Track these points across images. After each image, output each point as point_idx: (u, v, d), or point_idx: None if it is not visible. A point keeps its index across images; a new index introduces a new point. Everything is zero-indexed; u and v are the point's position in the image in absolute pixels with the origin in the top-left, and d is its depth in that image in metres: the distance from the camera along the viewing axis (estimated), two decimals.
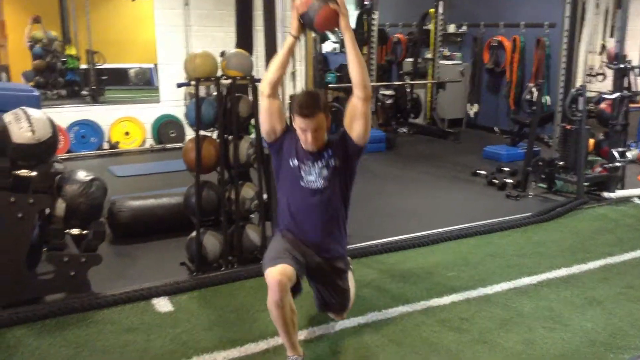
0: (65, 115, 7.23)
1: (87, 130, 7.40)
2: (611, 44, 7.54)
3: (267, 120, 2.87)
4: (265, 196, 3.94)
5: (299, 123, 2.74)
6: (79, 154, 7.20)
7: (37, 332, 3.04)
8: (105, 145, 7.54)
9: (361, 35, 8.52)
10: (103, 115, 7.58)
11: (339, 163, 2.85)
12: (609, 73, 6.00)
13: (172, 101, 7.77)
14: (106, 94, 9.40)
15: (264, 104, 2.85)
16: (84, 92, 9.14)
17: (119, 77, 10.98)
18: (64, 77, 9.28)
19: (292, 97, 2.89)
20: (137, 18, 9.70)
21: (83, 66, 9.35)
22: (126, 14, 9.85)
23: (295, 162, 2.85)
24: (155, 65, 8.10)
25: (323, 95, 2.84)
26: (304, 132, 2.75)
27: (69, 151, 7.12)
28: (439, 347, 2.94)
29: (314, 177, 2.84)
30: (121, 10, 9.81)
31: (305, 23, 2.81)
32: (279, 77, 2.86)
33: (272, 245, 2.87)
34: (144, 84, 11.31)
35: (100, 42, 9.37)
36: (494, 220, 4.81)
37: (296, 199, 2.89)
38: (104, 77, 9.34)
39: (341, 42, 11.04)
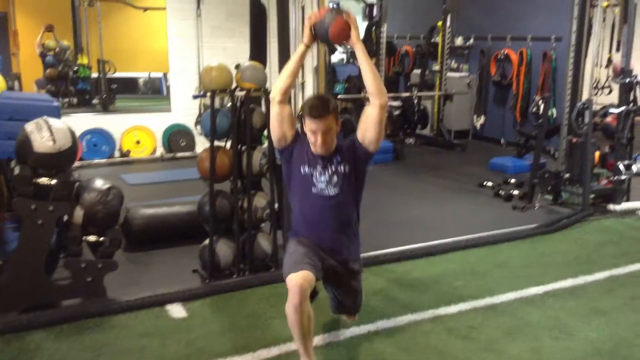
0: (77, 123, 7.31)
1: (99, 139, 7.51)
2: (617, 58, 7.62)
3: (278, 127, 2.91)
4: (276, 205, 4.02)
5: (309, 125, 2.79)
6: (90, 162, 7.31)
7: (55, 336, 3.13)
8: (117, 154, 7.65)
9: (369, 47, 8.63)
10: (114, 123, 7.71)
11: (348, 169, 2.89)
12: (615, 87, 6.07)
13: (183, 110, 7.89)
14: (117, 103, 9.54)
15: (274, 110, 2.89)
16: (95, 101, 9.28)
17: (128, 86, 11.11)
18: (75, 86, 9.42)
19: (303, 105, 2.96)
20: (147, 28, 9.84)
21: (94, 75, 9.50)
22: (137, 24, 9.99)
23: (307, 169, 2.90)
24: (165, 74, 8.23)
25: (333, 99, 2.92)
26: (315, 135, 2.79)
27: (80, 159, 7.22)
28: (447, 355, 3.01)
29: (324, 184, 2.89)
30: (132, 20, 9.95)
31: (318, 34, 2.88)
32: (290, 84, 2.92)
33: (292, 250, 2.89)
34: (153, 93, 11.44)
35: (110, 51, 9.52)
36: (500, 231, 4.88)
37: (309, 205, 2.93)
38: (114, 86, 9.48)
39: (349, 54, 11.16)
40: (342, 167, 2.89)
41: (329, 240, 2.94)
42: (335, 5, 2.89)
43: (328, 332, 3.21)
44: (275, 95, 2.89)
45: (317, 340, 3.13)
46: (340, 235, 2.97)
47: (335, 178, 2.89)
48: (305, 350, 2.74)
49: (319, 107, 2.77)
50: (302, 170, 2.92)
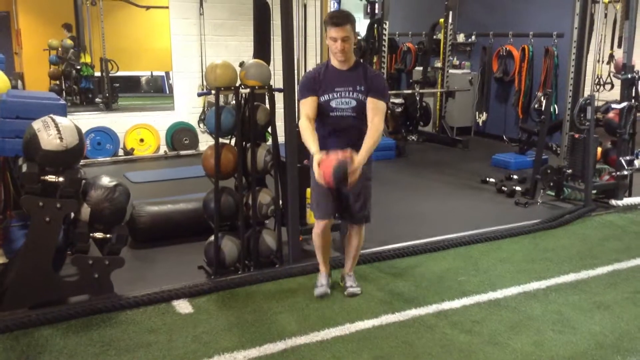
0: (81, 122, 7.23)
1: (103, 137, 7.55)
2: (619, 54, 7.63)
3: None
4: (281, 202, 4.05)
5: (331, 33, 3.23)
6: (94, 160, 7.35)
7: (63, 332, 3.17)
8: (121, 152, 7.69)
9: (372, 45, 8.64)
10: (118, 122, 7.74)
11: (364, 98, 3.33)
12: (617, 83, 6.09)
13: (186, 109, 7.93)
14: (119, 102, 9.58)
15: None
16: (98, 100, 9.32)
17: (130, 85, 11.16)
18: (78, 85, 9.46)
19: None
20: (150, 27, 9.87)
21: (97, 74, 9.53)
22: (139, 22, 10.01)
23: (326, 96, 3.34)
24: (167, 73, 8.25)
25: (351, 14, 3.34)
26: (335, 42, 3.23)
27: (85, 157, 7.25)
28: (451, 349, 3.04)
29: (343, 106, 3.35)
30: (134, 19, 9.98)
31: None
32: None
33: (316, 190, 3.44)
34: (155, 91, 11.49)
35: (113, 50, 9.55)
36: (503, 226, 4.91)
37: (328, 128, 3.39)
38: (117, 85, 9.52)
39: None
40: (360, 96, 3.36)
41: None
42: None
43: (334, 327, 3.24)
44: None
45: (323, 334, 3.17)
46: (353, 147, 3.30)
47: (352, 103, 3.37)
48: (323, 260, 3.67)
49: (340, 17, 3.26)
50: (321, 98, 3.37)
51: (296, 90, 3.72)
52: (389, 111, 8.85)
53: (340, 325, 3.26)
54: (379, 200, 5.73)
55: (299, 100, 3.31)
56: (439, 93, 9.16)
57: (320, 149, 3.20)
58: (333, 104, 3.33)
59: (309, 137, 3.23)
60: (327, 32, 3.25)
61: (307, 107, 3.32)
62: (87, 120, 7.53)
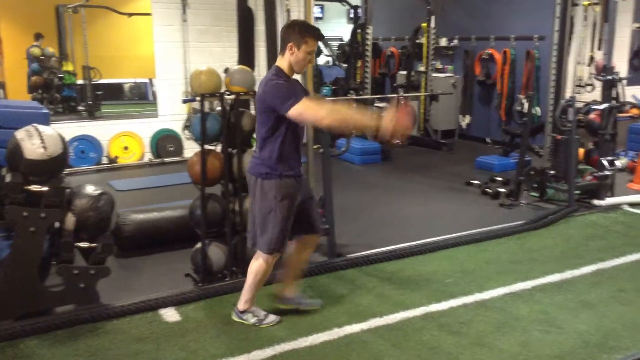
0: (64, 131, 7.18)
1: (86, 146, 7.49)
2: (599, 55, 7.75)
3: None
4: None
5: (312, 46, 3.10)
6: (78, 169, 7.28)
7: (50, 343, 3.14)
8: (105, 160, 7.64)
9: (356, 49, 8.70)
10: (101, 130, 7.69)
11: None
12: (598, 84, 6.17)
13: (170, 115, 7.89)
14: (102, 109, 9.53)
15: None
16: (81, 108, 9.26)
17: (114, 92, 11.10)
18: (60, 93, 9.39)
19: (292, 25, 3.19)
20: (132, 34, 9.85)
21: (79, 82, 9.48)
22: (122, 30, 9.99)
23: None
24: (151, 80, 8.22)
25: None
26: (309, 55, 3.11)
27: (69, 166, 7.18)
28: (439, 351, 3.06)
29: None
30: (117, 27, 9.95)
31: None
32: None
33: (283, 213, 3.14)
34: (139, 98, 11.44)
35: (96, 58, 9.51)
36: (488, 228, 4.95)
37: (298, 131, 3.18)
38: (100, 93, 9.46)
39: (335, 56, 11.21)
40: None
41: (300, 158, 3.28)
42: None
43: (322, 332, 3.24)
44: (315, 113, 3.00)
45: (311, 339, 3.17)
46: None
47: None
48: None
49: (319, 30, 3.16)
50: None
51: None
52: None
53: (329, 330, 3.27)
54: (366, 204, 5.78)
55: (293, 104, 2.96)
56: (422, 97, 9.22)
57: (292, 165, 3.16)
58: None
59: (351, 110, 3.07)
60: (306, 44, 3.07)
61: (311, 100, 3.10)
62: (71, 128, 7.46)
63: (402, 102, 2.99)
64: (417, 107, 9.36)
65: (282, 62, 3.14)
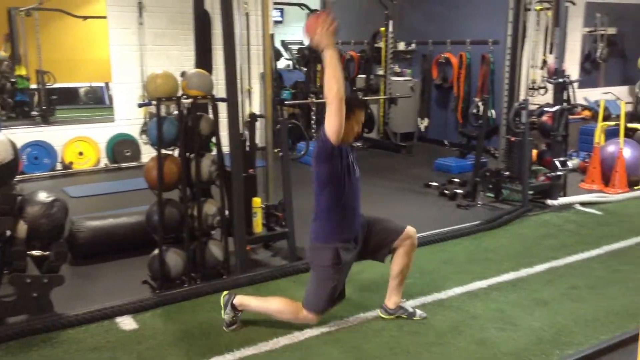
0: (16, 136, 7.00)
1: (40, 152, 7.31)
2: (551, 59, 7.96)
3: (344, 122, 2.99)
4: (227, 212, 4.02)
5: (360, 116, 3.15)
6: (32, 175, 7.10)
7: (1, 354, 3.04)
8: (59, 166, 7.46)
9: (315, 53, 8.70)
10: (55, 135, 7.51)
11: None
12: (550, 87, 6.34)
13: (127, 120, 7.77)
14: (57, 114, 9.30)
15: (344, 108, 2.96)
16: (34, 113, 9.01)
17: (69, 97, 10.84)
18: (13, 98, 9.12)
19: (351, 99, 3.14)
20: (88, 37, 9.63)
21: (33, 86, 9.23)
22: (77, 33, 9.76)
23: (347, 157, 3.16)
24: (107, 83, 8.07)
25: None
26: (359, 125, 3.17)
27: (21, 173, 7.00)
28: (397, 351, 3.09)
29: (356, 167, 3.28)
30: (71, 30, 9.72)
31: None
32: None
33: (332, 277, 3.18)
34: (95, 102, 11.20)
35: (50, 62, 9.27)
36: (446, 229, 5.02)
37: (352, 192, 3.20)
38: (54, 97, 9.23)
39: (295, 60, 11.22)
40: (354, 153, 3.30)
41: (359, 217, 3.31)
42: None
43: (282, 336, 3.24)
44: (343, 95, 2.94)
45: (272, 344, 3.16)
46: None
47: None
48: None
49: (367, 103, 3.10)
50: (344, 160, 3.13)
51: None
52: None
53: (289, 334, 3.26)
54: None
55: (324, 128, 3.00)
56: (382, 100, 9.31)
57: (351, 224, 3.23)
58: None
59: (330, 68, 2.98)
60: (355, 114, 3.11)
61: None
62: (23, 134, 7.27)
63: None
64: (376, 111, 9.44)
65: None
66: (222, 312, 3.32)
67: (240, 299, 3.31)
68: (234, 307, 3.29)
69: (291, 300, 3.30)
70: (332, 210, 3.16)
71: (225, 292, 3.40)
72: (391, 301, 3.44)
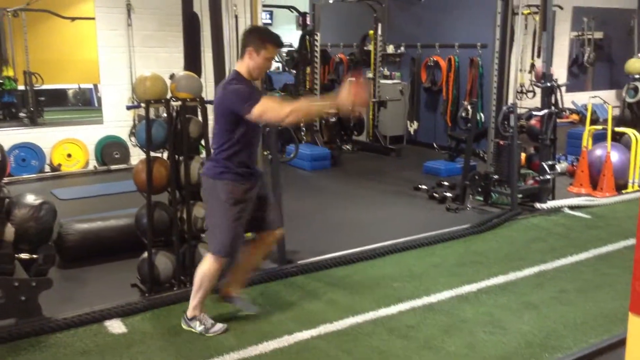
0: (4, 138, 7.02)
1: (28, 154, 7.24)
2: (539, 63, 8.02)
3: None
4: None
5: (272, 52, 3.14)
6: (19, 177, 7.04)
7: None
8: (47, 168, 7.40)
9: (304, 56, 8.72)
10: (44, 137, 7.45)
11: None
12: (538, 91, 6.38)
13: (116, 122, 7.72)
14: (45, 116, 9.23)
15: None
16: (22, 114, 8.95)
17: (57, 98, 10.78)
18: (0, 100, 9.06)
19: (253, 31, 3.28)
20: (76, 38, 9.58)
21: (20, 87, 9.16)
22: (65, 34, 9.70)
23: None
24: (96, 85, 8.03)
25: None
26: (268, 61, 3.16)
27: (9, 175, 6.94)
28: (387, 355, 3.09)
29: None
30: (59, 31, 9.66)
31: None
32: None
33: (237, 213, 3.16)
34: (84, 104, 11.15)
35: (38, 63, 9.21)
36: (435, 232, 5.03)
37: (255, 134, 3.23)
38: (42, 99, 9.18)
39: (284, 62, 11.22)
40: None
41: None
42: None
43: (272, 339, 3.23)
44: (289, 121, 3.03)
45: (261, 347, 3.15)
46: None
47: None
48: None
49: (280, 39, 3.19)
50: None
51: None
52: (323, 121, 8.95)
53: (279, 337, 3.25)
54: (316, 210, 5.80)
55: (253, 105, 2.96)
56: (371, 103, 9.32)
57: (245, 170, 3.18)
58: None
59: (308, 102, 3.14)
60: (266, 50, 3.10)
61: (271, 99, 3.15)
62: (11, 136, 7.22)
63: (355, 78, 3.01)
64: (366, 114, 9.46)
65: (241, 66, 3.17)
66: (194, 331, 3.32)
67: (189, 309, 3.34)
68: (192, 319, 3.30)
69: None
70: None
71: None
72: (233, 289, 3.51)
